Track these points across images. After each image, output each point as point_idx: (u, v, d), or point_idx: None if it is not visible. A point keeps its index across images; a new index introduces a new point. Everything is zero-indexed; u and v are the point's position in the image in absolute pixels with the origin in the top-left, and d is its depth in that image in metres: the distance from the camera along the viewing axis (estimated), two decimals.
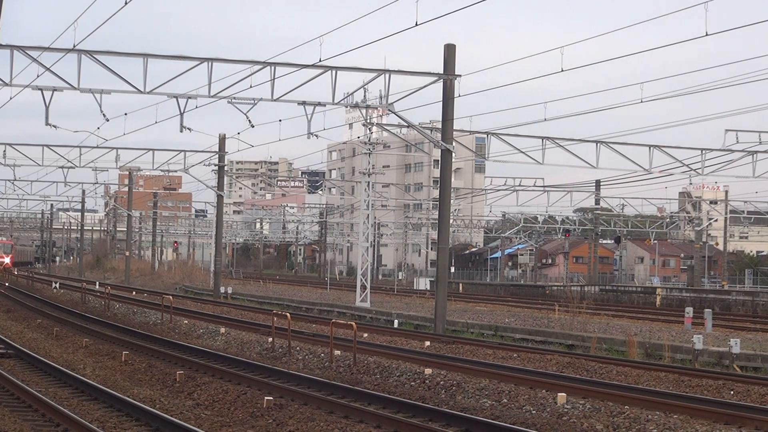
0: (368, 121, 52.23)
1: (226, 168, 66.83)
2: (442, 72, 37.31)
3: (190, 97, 39.00)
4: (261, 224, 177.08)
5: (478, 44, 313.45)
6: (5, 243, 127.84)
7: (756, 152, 51.66)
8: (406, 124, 41.56)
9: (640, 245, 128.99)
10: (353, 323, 27.32)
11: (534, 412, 18.90)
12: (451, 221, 50.70)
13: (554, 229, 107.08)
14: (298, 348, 28.57)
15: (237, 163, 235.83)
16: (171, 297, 43.91)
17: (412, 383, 22.40)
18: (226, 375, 23.34)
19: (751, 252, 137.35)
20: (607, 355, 31.08)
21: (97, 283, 74.45)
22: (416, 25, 30.66)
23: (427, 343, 32.06)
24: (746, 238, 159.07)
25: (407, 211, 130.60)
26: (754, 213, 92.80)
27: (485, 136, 48.11)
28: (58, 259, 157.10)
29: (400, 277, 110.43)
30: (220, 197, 65.85)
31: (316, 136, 40.71)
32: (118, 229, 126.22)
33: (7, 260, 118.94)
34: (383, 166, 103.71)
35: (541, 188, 75.39)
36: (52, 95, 37.39)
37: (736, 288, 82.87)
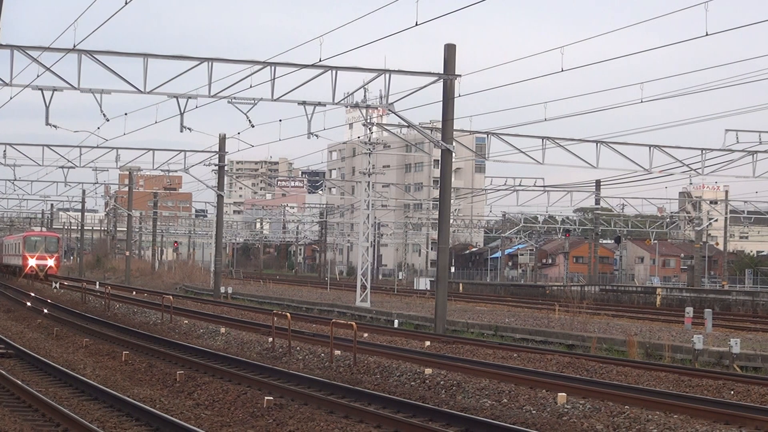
0: (368, 121, 52.27)
1: (226, 168, 66.82)
2: (442, 72, 37.31)
3: (190, 97, 39.01)
4: (261, 224, 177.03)
5: (478, 44, 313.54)
6: (49, 236, 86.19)
7: (756, 152, 51.68)
8: (406, 124, 41.55)
9: (640, 245, 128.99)
10: (353, 323, 27.32)
11: (534, 412, 18.90)
12: (451, 221, 50.69)
13: (554, 229, 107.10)
14: (298, 348, 28.57)
15: (237, 163, 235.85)
16: (171, 297, 43.91)
17: (413, 383, 22.40)
18: (226, 375, 23.34)
19: (751, 252, 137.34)
20: (607, 355, 31.09)
21: (97, 283, 74.35)
22: (416, 25, 30.67)
23: (428, 343, 32.06)
24: (746, 238, 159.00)
25: (407, 211, 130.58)
26: (754, 213, 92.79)
27: (485, 136, 48.13)
28: None
29: (400, 277, 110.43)
30: (220, 197, 65.86)
31: (316, 136, 40.73)
32: (118, 229, 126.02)
33: (50, 263, 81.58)
34: (383, 166, 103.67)
35: (541, 188, 75.43)
36: (52, 95, 37.42)
37: (736, 288, 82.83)
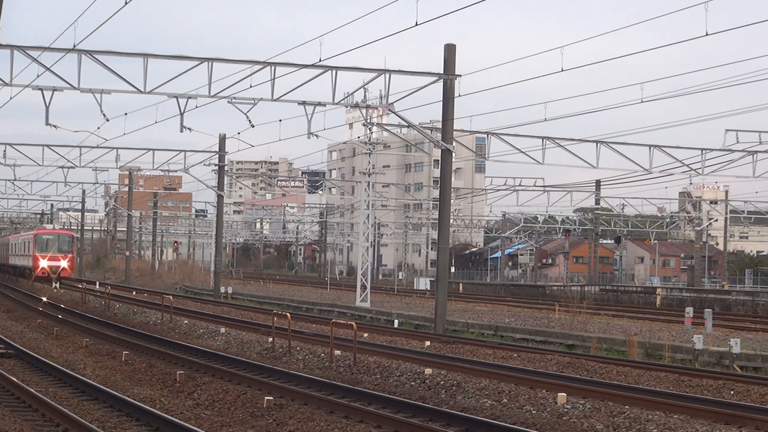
0: (368, 121, 52.26)
1: (226, 168, 66.83)
2: (442, 72, 37.32)
3: (190, 97, 39.03)
4: (261, 224, 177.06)
5: (478, 44, 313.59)
6: (62, 234, 77.59)
7: (756, 152, 51.69)
8: (406, 124, 41.56)
9: (640, 245, 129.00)
10: (353, 323, 27.31)
11: (534, 412, 18.89)
12: (451, 221, 50.71)
13: (554, 229, 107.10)
14: (298, 348, 28.57)
15: (237, 163, 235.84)
16: (171, 297, 43.91)
17: (412, 383, 22.39)
18: (226, 375, 23.34)
19: (751, 252, 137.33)
20: (607, 355, 31.09)
21: (98, 283, 74.28)
22: (416, 25, 30.68)
23: (427, 343, 32.06)
24: (746, 238, 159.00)
25: (407, 211, 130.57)
26: (754, 213, 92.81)
27: (485, 136, 48.15)
28: None
29: (400, 277, 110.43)
30: (220, 197, 65.86)
31: (316, 136, 40.75)
32: (118, 229, 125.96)
33: (64, 264, 73.63)
34: (383, 166, 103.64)
35: (541, 188, 75.43)
36: (52, 95, 37.44)
37: (736, 288, 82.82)
